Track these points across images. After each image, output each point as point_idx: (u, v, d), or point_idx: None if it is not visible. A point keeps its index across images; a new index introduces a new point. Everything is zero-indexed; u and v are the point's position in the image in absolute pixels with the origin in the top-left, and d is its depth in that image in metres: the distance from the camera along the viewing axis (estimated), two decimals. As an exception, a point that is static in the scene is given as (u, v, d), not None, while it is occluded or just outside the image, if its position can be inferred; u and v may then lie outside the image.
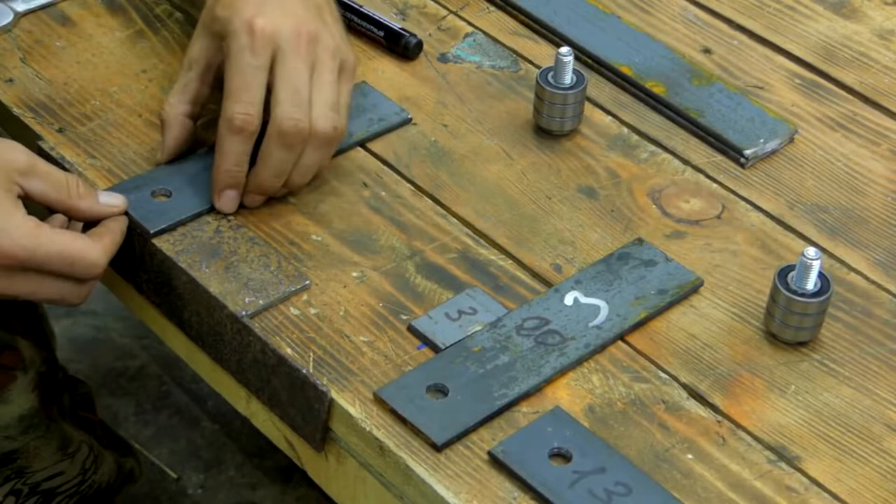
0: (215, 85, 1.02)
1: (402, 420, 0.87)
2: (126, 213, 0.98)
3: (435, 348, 0.92)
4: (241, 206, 1.00)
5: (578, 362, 0.91)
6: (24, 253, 0.91)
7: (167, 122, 1.02)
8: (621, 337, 0.94)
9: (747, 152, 1.08)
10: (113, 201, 0.98)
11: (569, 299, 0.95)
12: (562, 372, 0.91)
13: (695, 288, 0.97)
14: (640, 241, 1.00)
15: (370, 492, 0.90)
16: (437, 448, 0.86)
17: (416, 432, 0.86)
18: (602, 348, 0.93)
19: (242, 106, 0.97)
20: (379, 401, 0.88)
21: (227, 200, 1.00)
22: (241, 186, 0.99)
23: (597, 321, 0.94)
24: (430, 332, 0.92)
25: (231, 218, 1.00)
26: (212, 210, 1.00)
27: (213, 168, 0.99)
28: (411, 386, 0.88)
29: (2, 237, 0.90)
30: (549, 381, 0.90)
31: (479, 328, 0.93)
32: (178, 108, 1.02)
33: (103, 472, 1.38)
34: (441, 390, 0.89)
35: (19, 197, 0.93)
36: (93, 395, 1.47)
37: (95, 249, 0.94)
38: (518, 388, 0.89)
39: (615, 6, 1.23)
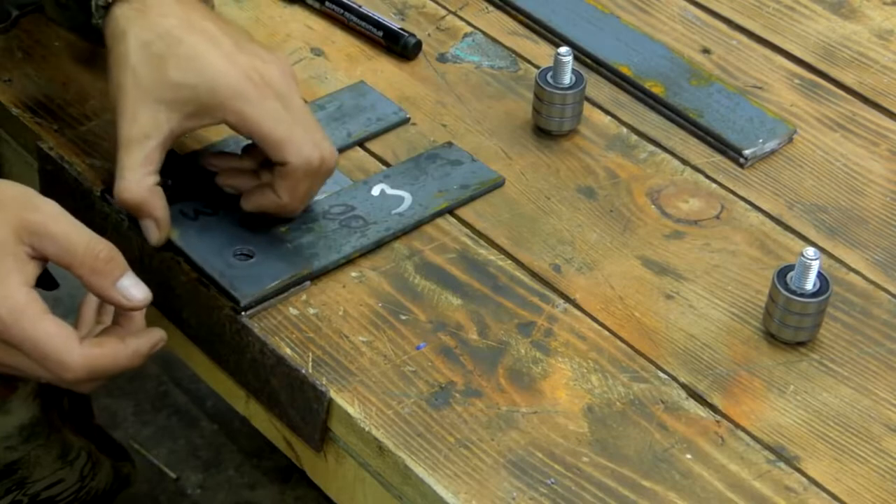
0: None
1: (212, 280, 0.94)
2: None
3: None
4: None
5: (378, 244, 0.98)
6: None
7: (144, 201, 0.94)
8: (421, 223, 1.00)
9: (746, 152, 1.08)
10: (132, 293, 0.88)
11: (376, 190, 1.02)
12: (362, 252, 0.97)
13: (496, 185, 1.04)
14: (449, 143, 1.07)
15: (369, 492, 0.90)
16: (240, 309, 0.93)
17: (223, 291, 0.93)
18: (402, 232, 0.99)
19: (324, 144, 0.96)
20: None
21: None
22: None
23: (400, 209, 1.01)
24: None
25: (230, 218, 1.00)
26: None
27: (286, 208, 0.97)
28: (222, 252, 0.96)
29: None
30: (349, 258, 0.97)
31: (324, 196, 1.00)
32: (146, 181, 0.94)
33: (100, 479, 1.38)
34: (248, 254, 0.96)
35: (34, 258, 0.86)
36: (91, 399, 1.47)
37: (74, 355, 0.85)
38: (318, 262, 0.96)
39: (614, 6, 1.24)
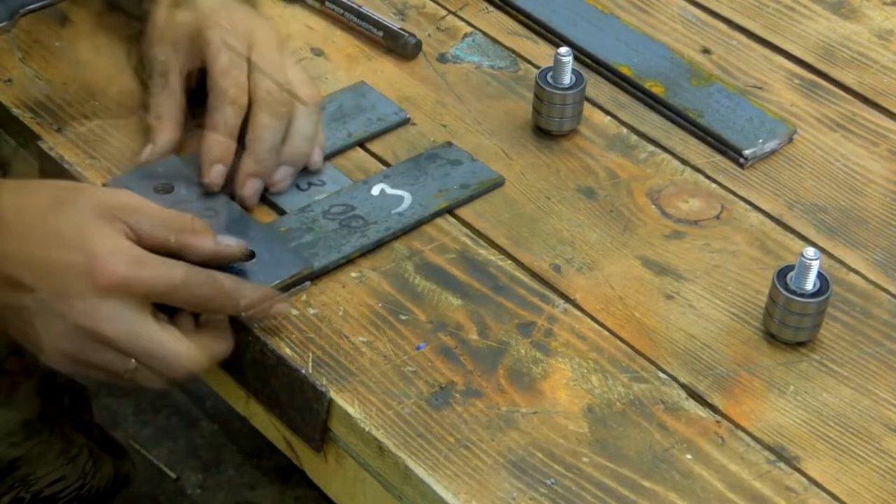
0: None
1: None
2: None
3: (280, 212, 1.01)
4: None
5: (378, 244, 0.98)
6: (131, 273, 0.86)
7: (170, 124, 1.03)
8: (421, 223, 1.00)
9: (746, 152, 1.09)
10: (231, 241, 0.92)
11: (375, 190, 1.02)
12: (362, 252, 0.97)
13: (496, 185, 1.04)
14: (449, 143, 1.07)
15: (369, 492, 0.90)
16: None
17: None
18: (402, 232, 0.99)
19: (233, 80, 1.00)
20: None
21: (217, 174, 0.99)
22: (230, 161, 1.00)
23: (399, 209, 1.01)
24: (277, 199, 1.01)
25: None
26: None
27: (203, 143, 0.99)
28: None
29: (108, 260, 0.85)
30: (349, 258, 0.97)
31: (324, 196, 1.01)
32: (177, 114, 1.03)
33: (101, 476, 1.38)
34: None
35: (129, 238, 0.87)
36: (89, 397, 1.48)
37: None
38: (318, 262, 0.96)
39: (614, 6, 1.24)
